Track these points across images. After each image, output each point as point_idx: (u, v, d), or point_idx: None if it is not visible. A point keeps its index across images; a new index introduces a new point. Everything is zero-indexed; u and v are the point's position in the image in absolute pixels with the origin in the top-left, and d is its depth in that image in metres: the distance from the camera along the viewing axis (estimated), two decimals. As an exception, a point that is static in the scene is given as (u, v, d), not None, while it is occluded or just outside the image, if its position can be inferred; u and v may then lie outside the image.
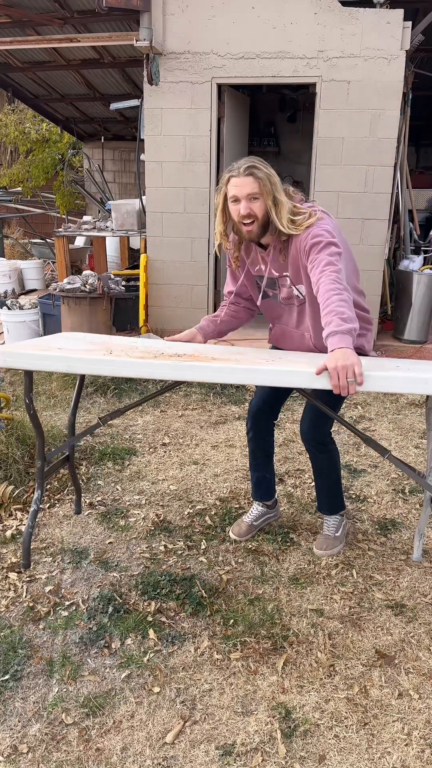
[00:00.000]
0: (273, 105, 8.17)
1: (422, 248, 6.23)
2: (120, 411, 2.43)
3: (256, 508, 2.81)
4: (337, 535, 2.69)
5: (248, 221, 2.18)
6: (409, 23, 5.08)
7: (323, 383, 1.91)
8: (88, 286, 4.88)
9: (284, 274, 2.32)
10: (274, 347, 2.62)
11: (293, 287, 2.33)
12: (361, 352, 2.40)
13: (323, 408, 2.32)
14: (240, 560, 2.60)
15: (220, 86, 5.57)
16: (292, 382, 2.05)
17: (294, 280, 2.31)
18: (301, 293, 2.33)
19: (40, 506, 2.48)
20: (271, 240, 2.27)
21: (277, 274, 2.33)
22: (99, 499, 3.07)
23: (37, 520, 2.88)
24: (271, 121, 8.33)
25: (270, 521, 2.86)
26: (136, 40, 5.27)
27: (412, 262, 5.93)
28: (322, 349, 2.21)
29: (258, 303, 2.49)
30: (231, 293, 2.55)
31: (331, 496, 2.69)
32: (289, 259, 2.27)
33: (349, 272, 2.27)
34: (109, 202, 7.18)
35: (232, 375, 2.03)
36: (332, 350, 1.91)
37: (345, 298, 2.02)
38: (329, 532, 2.70)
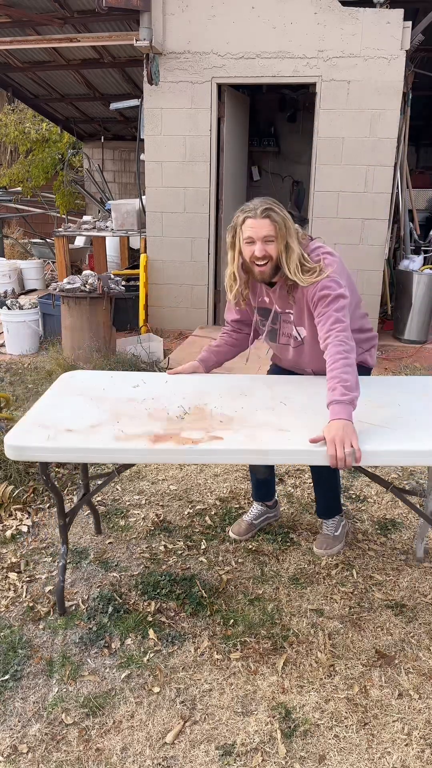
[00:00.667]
0: (273, 105, 8.17)
1: (422, 248, 6.23)
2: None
3: (257, 508, 2.81)
4: (336, 534, 2.69)
5: (262, 263, 2.22)
6: (409, 23, 5.09)
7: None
8: (88, 286, 4.88)
9: (287, 311, 2.35)
10: (275, 365, 2.69)
11: (294, 327, 2.37)
12: (364, 366, 2.48)
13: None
14: (240, 560, 2.60)
15: (220, 86, 5.57)
16: (310, 461, 2.14)
17: (297, 321, 2.34)
18: (299, 335, 2.37)
19: (67, 560, 2.45)
20: (278, 279, 2.29)
21: (280, 310, 2.37)
22: (99, 499, 3.07)
23: (36, 520, 2.88)
24: (271, 120, 8.33)
25: (270, 521, 2.86)
26: (136, 40, 5.27)
27: (412, 262, 5.93)
28: (319, 373, 2.38)
29: (262, 336, 2.52)
30: (234, 321, 2.57)
31: (329, 500, 2.69)
32: (294, 301, 2.30)
33: (353, 306, 2.34)
34: (109, 201, 7.18)
35: (244, 456, 2.04)
36: (332, 420, 1.92)
37: (351, 363, 2.05)
38: (328, 532, 2.70)
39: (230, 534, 2.77)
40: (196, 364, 2.57)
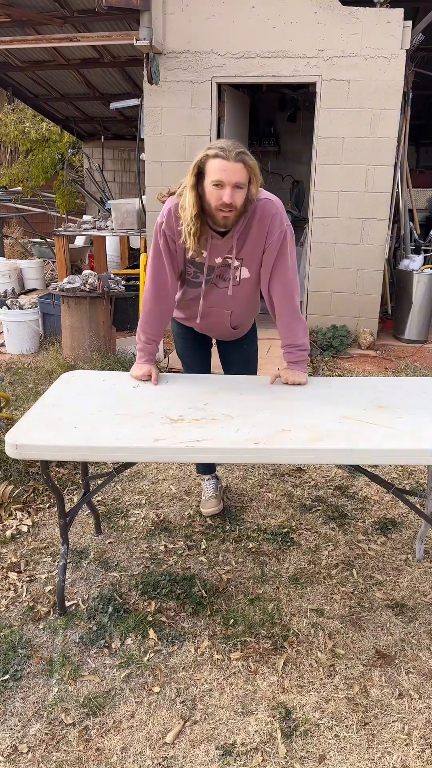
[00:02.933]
0: (273, 104, 8.17)
1: (422, 248, 6.23)
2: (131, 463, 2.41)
3: (211, 481, 2.98)
4: (217, 493, 2.96)
5: (228, 210, 2.07)
6: (410, 22, 5.08)
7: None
8: (88, 286, 4.88)
9: (227, 257, 2.26)
10: (180, 326, 2.68)
11: (239, 269, 2.30)
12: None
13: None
14: (240, 560, 2.59)
15: (220, 85, 5.57)
16: (310, 460, 2.22)
17: (247, 262, 2.29)
18: (239, 277, 2.32)
19: (67, 560, 2.44)
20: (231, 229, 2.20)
21: (220, 261, 2.28)
22: (99, 498, 3.07)
23: (36, 520, 2.88)
24: (271, 120, 8.33)
25: (222, 489, 3.06)
26: (136, 40, 5.26)
27: (413, 262, 5.92)
28: (237, 327, 2.55)
29: (202, 288, 2.38)
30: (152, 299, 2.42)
31: None
32: (241, 246, 2.24)
33: None
34: (109, 201, 7.18)
35: (245, 455, 2.04)
36: (291, 369, 2.42)
37: (304, 324, 2.42)
38: (214, 493, 2.96)
39: (204, 512, 2.90)
40: (148, 368, 2.45)
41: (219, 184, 2.03)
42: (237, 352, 2.75)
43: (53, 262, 8.88)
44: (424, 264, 5.93)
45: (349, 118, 5.37)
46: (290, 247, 2.27)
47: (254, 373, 2.81)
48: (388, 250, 5.77)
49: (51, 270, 8.92)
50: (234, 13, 5.32)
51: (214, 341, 2.79)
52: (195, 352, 2.75)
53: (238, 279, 2.34)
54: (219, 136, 5.72)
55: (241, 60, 5.41)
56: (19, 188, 10.44)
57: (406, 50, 5.14)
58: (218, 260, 2.29)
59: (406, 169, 6.09)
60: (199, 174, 2.09)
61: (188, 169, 2.11)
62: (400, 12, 5.06)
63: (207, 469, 2.99)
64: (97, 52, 7.03)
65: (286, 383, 2.41)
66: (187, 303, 2.51)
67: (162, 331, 2.53)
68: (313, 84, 5.41)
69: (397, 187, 5.84)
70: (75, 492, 3.11)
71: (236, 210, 2.09)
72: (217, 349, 2.81)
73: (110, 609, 2.29)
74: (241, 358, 2.76)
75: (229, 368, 2.80)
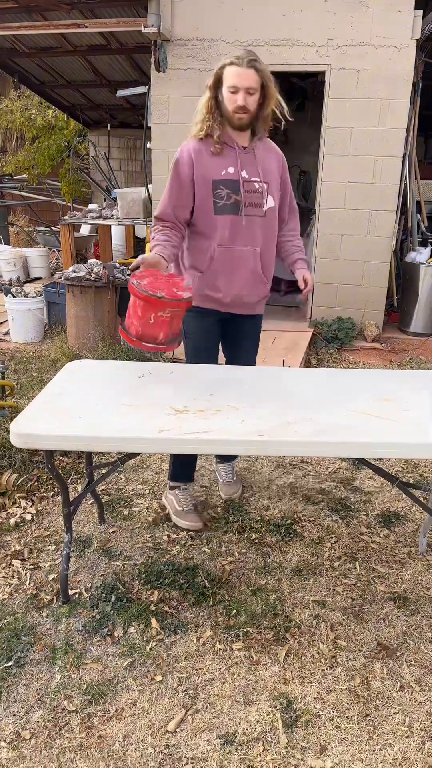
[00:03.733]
0: (281, 93, 8.09)
1: (429, 240, 6.19)
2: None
3: (189, 492, 2.84)
4: (235, 479, 3.04)
5: (243, 113, 2.32)
6: (420, 12, 5.02)
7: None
8: (93, 275, 4.87)
9: (254, 179, 2.43)
10: (208, 284, 2.51)
11: (265, 195, 2.46)
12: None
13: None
14: (243, 551, 2.60)
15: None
16: (314, 452, 2.25)
17: (271, 189, 2.48)
18: (266, 204, 2.47)
19: (71, 549, 2.45)
20: (248, 141, 2.44)
21: (247, 177, 2.43)
22: (103, 488, 3.07)
23: (40, 508, 2.89)
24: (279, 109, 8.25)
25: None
26: (144, 26, 5.22)
27: (419, 254, 5.89)
28: (265, 268, 2.57)
29: (213, 214, 2.42)
30: (170, 217, 2.43)
31: None
32: (263, 167, 2.45)
33: None
34: (115, 190, 7.14)
35: (250, 447, 2.03)
36: (304, 271, 2.63)
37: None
38: (229, 479, 3.00)
39: (192, 528, 2.71)
40: (157, 258, 2.35)
41: (234, 90, 2.30)
42: (252, 330, 2.75)
43: (58, 250, 8.86)
44: (431, 256, 5.90)
45: (358, 108, 5.32)
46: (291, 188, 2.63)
47: (255, 356, 2.85)
48: (394, 242, 5.74)
49: (56, 259, 8.91)
50: (243, 1, 5.26)
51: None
52: (205, 353, 2.67)
53: (264, 208, 2.46)
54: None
55: (250, 48, 5.35)
56: (24, 176, 10.41)
57: (417, 40, 5.09)
58: (244, 175, 2.42)
59: (415, 161, 6.05)
60: (218, 83, 2.36)
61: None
62: (410, 1, 5.00)
63: (190, 475, 2.87)
64: (104, 39, 6.97)
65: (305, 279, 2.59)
66: (210, 244, 2.45)
67: (177, 242, 2.47)
68: (322, 73, 5.36)
69: (405, 179, 5.80)
70: (79, 481, 3.12)
71: (249, 113, 2.34)
72: (222, 343, 2.76)
73: (113, 598, 2.30)
74: (253, 334, 2.77)
75: (238, 348, 2.76)
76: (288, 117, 2.45)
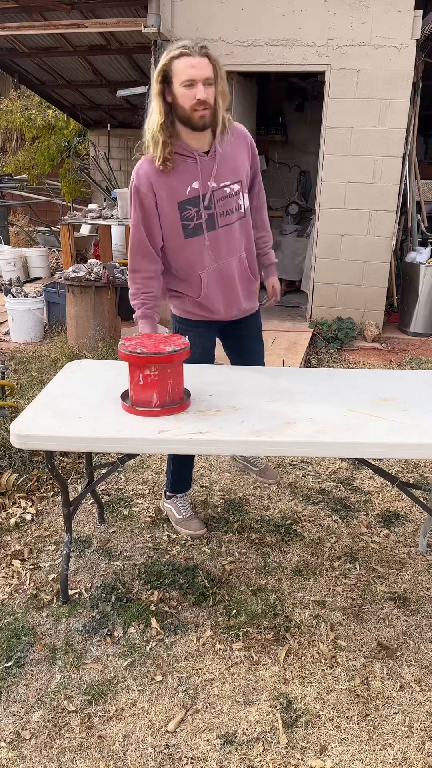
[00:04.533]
0: (281, 93, 8.09)
1: (429, 240, 6.19)
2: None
3: (186, 499, 2.79)
4: (268, 464, 3.11)
5: (203, 108, 2.02)
6: (420, 12, 5.02)
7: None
8: (93, 275, 4.87)
9: (225, 183, 2.22)
10: (203, 307, 2.43)
11: (241, 195, 2.28)
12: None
13: None
14: (243, 551, 2.60)
15: (228, 74, 5.51)
16: (314, 453, 2.23)
17: (244, 186, 2.32)
18: (244, 204, 2.32)
19: (71, 549, 2.45)
20: (209, 143, 2.16)
21: (216, 186, 2.20)
22: (103, 488, 3.07)
23: (40, 508, 2.89)
24: (279, 109, 8.25)
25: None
26: (144, 26, 5.22)
27: (419, 254, 5.89)
28: (251, 267, 2.48)
29: (184, 239, 2.24)
30: (149, 268, 2.32)
31: None
32: (233, 165, 2.24)
33: None
34: (115, 190, 7.14)
35: (248, 447, 2.04)
36: (274, 276, 2.67)
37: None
38: (262, 465, 3.04)
39: (197, 536, 2.68)
40: (152, 328, 2.39)
41: (190, 83, 2.00)
42: (253, 325, 2.64)
43: (58, 250, 8.86)
44: (430, 257, 5.90)
45: (357, 108, 5.32)
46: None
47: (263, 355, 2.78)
48: (394, 242, 5.74)
49: (56, 258, 8.91)
50: (243, 1, 5.26)
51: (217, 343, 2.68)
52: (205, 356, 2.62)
53: (242, 209, 2.31)
54: (226, 125, 5.68)
55: (249, 48, 5.36)
56: (24, 176, 10.41)
57: (417, 40, 5.09)
58: (213, 185, 2.20)
59: (415, 161, 6.05)
60: (165, 81, 2.05)
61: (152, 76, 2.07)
62: (410, 1, 5.00)
63: (187, 485, 2.80)
64: (104, 39, 6.97)
65: (274, 288, 2.69)
66: (192, 270, 2.32)
67: (159, 291, 2.38)
68: (322, 73, 5.36)
69: (405, 179, 5.80)
70: (79, 481, 3.12)
71: (211, 107, 2.06)
72: (223, 344, 2.71)
73: (113, 598, 2.30)
74: (255, 329, 2.66)
75: (243, 350, 2.68)
76: (227, 125, 2.17)
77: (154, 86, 2.06)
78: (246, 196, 2.33)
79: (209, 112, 2.06)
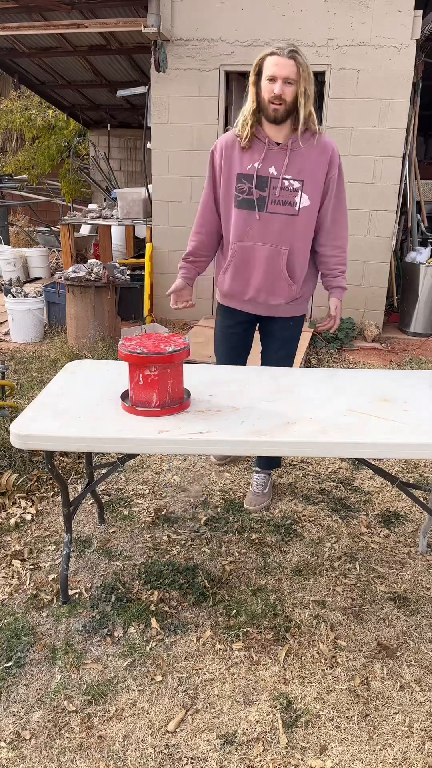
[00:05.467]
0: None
1: (429, 240, 6.19)
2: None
3: (260, 477, 2.93)
4: (265, 491, 2.92)
5: (278, 102, 2.27)
6: (420, 12, 5.03)
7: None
8: (93, 275, 4.87)
9: (286, 176, 2.39)
10: (228, 281, 2.62)
11: (299, 194, 2.41)
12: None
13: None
14: (243, 551, 2.60)
15: (228, 74, 5.53)
16: (315, 452, 2.17)
17: (307, 187, 2.40)
18: (299, 204, 2.42)
19: (71, 549, 2.45)
20: (285, 138, 2.38)
21: (277, 174, 2.39)
22: (103, 488, 3.07)
23: (40, 508, 2.89)
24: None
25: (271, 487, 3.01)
26: (144, 26, 5.22)
27: (419, 254, 5.89)
28: (291, 269, 2.52)
29: (233, 207, 2.47)
30: (205, 226, 2.61)
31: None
32: (302, 164, 2.38)
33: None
34: (115, 190, 7.15)
35: (249, 447, 2.03)
36: (338, 299, 2.64)
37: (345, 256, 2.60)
38: (258, 489, 2.92)
39: (247, 507, 2.88)
40: (182, 283, 2.67)
41: (272, 79, 2.27)
42: (279, 330, 2.70)
43: (58, 250, 8.87)
44: (430, 257, 5.90)
45: (357, 108, 5.32)
46: (344, 190, 2.51)
47: (289, 361, 2.79)
48: (394, 242, 5.74)
49: (56, 259, 8.91)
50: (243, 1, 5.26)
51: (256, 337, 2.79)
52: (222, 353, 2.80)
53: (297, 207, 2.41)
54: (226, 125, 5.69)
55: (249, 48, 5.36)
56: (24, 176, 10.42)
57: (417, 40, 5.09)
58: (272, 171, 2.39)
59: (414, 161, 6.05)
60: (259, 73, 2.32)
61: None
62: (410, 1, 5.00)
63: (268, 463, 2.93)
64: (104, 39, 6.97)
65: (334, 311, 2.67)
66: (231, 239, 2.52)
67: (205, 248, 2.63)
68: (322, 73, 5.36)
69: (405, 179, 5.80)
70: (79, 481, 3.12)
71: (285, 104, 2.29)
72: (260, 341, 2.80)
73: (113, 598, 2.30)
74: (280, 334, 2.72)
75: (266, 349, 2.78)
76: (316, 127, 2.40)
77: (251, 77, 2.35)
78: (306, 197, 2.42)
79: (283, 107, 2.29)
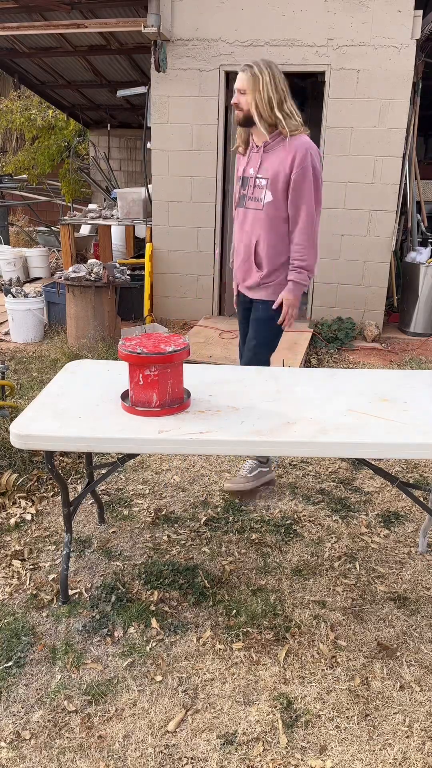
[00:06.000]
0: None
1: (429, 240, 6.19)
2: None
3: (249, 463, 2.96)
4: (248, 475, 2.95)
5: (235, 109, 2.65)
6: (420, 12, 5.03)
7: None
8: (93, 275, 4.87)
9: (259, 175, 2.68)
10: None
11: (264, 191, 2.67)
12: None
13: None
14: (243, 551, 2.60)
15: (228, 74, 5.52)
16: (313, 453, 2.16)
17: (271, 185, 2.64)
18: (263, 199, 2.67)
19: (71, 549, 2.44)
20: (262, 140, 2.66)
21: (253, 174, 2.70)
22: (103, 488, 3.07)
23: (40, 508, 2.89)
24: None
25: (266, 479, 2.98)
26: (144, 26, 5.22)
27: (419, 254, 5.89)
28: (258, 257, 2.76)
29: (235, 209, 2.86)
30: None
31: None
32: (269, 163, 2.63)
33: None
34: (115, 190, 7.15)
35: (248, 448, 2.05)
36: (287, 291, 2.74)
37: (308, 247, 2.69)
38: (243, 472, 2.95)
39: (225, 485, 3.00)
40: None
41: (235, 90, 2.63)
42: (255, 312, 2.89)
43: (58, 250, 8.86)
44: (430, 257, 5.90)
45: (357, 108, 5.32)
46: (309, 188, 2.61)
47: (260, 349, 2.86)
48: (394, 242, 5.74)
49: (56, 259, 8.90)
50: (243, 1, 5.26)
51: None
52: (242, 326, 3.07)
53: (263, 203, 2.68)
54: (226, 125, 5.69)
55: (249, 48, 5.36)
56: (24, 176, 10.41)
57: (417, 40, 5.09)
58: (251, 171, 2.72)
59: (414, 161, 6.05)
60: None
61: None
62: (410, 1, 5.00)
63: None
64: (104, 39, 6.97)
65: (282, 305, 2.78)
66: (235, 238, 2.90)
67: None
68: (322, 73, 5.36)
69: (405, 179, 5.80)
70: (79, 481, 3.12)
71: (242, 111, 2.62)
72: None
73: (113, 598, 2.30)
74: (253, 317, 2.89)
75: (248, 337, 2.95)
76: (286, 131, 2.60)
77: None
78: (269, 193, 2.67)
79: (241, 114, 2.64)
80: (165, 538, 2.68)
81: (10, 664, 2.01)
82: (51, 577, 2.42)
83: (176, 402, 2.07)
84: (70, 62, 7.74)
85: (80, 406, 2.11)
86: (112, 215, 6.49)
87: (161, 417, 2.02)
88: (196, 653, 2.07)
